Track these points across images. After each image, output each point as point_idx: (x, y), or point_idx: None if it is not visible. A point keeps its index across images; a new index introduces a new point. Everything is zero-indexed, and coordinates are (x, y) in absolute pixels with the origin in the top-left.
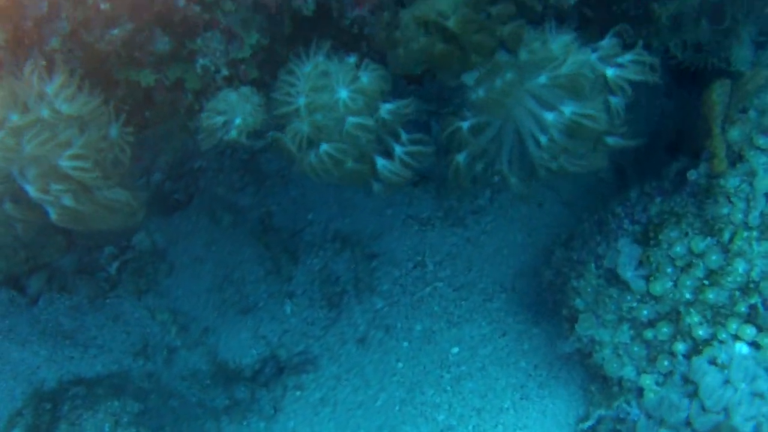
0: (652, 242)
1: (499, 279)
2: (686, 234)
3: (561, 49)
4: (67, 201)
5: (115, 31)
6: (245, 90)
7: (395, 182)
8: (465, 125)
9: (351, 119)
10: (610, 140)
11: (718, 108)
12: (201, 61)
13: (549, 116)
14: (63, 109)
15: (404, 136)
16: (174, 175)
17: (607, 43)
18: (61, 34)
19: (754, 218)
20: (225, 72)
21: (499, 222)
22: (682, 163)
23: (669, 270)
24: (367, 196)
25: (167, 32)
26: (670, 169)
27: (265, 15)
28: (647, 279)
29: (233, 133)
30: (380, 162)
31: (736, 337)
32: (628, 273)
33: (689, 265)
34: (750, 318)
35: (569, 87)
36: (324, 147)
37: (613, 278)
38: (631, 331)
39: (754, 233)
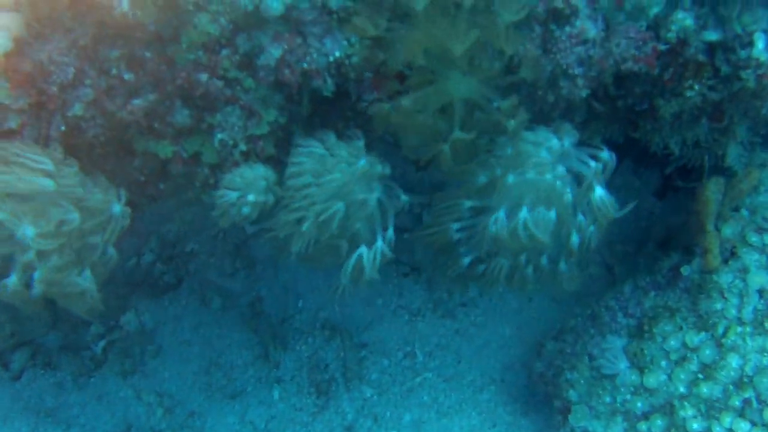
0: (646, 335)
1: (489, 371)
2: (680, 328)
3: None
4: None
5: (138, 101)
6: (261, 168)
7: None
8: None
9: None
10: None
11: (712, 205)
12: (219, 135)
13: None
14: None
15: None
16: (165, 257)
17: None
18: (85, 101)
19: (747, 314)
20: (243, 147)
21: (489, 315)
22: (675, 259)
23: (663, 363)
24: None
25: (188, 105)
26: (663, 264)
27: (284, 94)
28: (641, 371)
29: (245, 210)
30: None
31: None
32: (621, 365)
33: (683, 358)
34: (744, 412)
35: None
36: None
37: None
38: (625, 423)
39: (748, 328)
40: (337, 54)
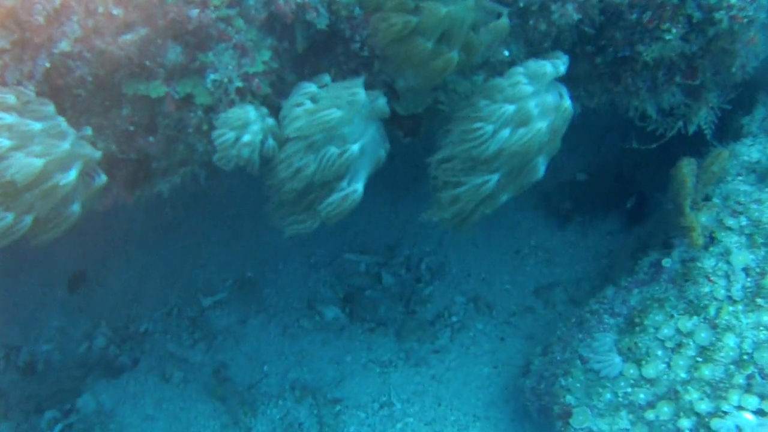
0: (638, 329)
1: (471, 410)
2: (672, 316)
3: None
4: None
5: (129, 36)
6: (255, 108)
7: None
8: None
9: None
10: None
11: (689, 183)
12: (212, 75)
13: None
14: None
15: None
16: (118, 339)
17: None
18: (72, 38)
19: (737, 292)
20: (238, 83)
21: (463, 359)
22: (654, 255)
23: (659, 353)
24: (323, 345)
25: (180, 42)
26: (642, 262)
27: (276, 36)
28: (638, 363)
29: (245, 151)
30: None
31: (740, 408)
32: (615, 360)
33: (680, 345)
34: (750, 388)
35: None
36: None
37: None
38: (631, 416)
39: (740, 306)
40: None
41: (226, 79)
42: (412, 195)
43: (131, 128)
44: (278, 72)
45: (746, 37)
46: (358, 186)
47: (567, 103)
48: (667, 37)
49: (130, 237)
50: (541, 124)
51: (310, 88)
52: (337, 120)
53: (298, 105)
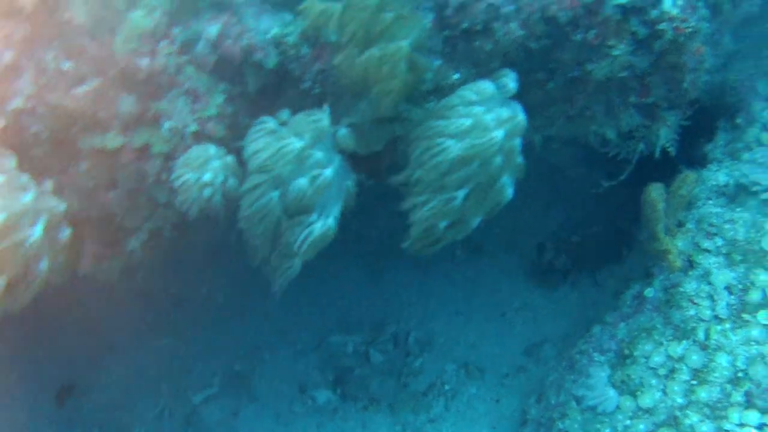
0: (628, 361)
1: None
2: (660, 344)
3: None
4: None
5: (81, 89)
6: (213, 147)
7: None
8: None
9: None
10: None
11: (660, 206)
12: (167, 123)
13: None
14: None
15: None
16: None
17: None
18: (25, 95)
19: (722, 310)
20: (193, 128)
21: (460, 425)
22: (636, 288)
23: (654, 381)
24: (318, 429)
25: (132, 92)
26: (625, 296)
27: (228, 80)
28: (634, 395)
29: (207, 192)
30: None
31: (742, 425)
32: (610, 393)
33: (672, 371)
34: (749, 404)
35: None
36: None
37: None
38: None
39: (728, 324)
40: (275, 31)
41: (181, 125)
42: (391, 270)
43: (92, 184)
44: (233, 116)
45: (692, 48)
46: (330, 221)
47: (520, 116)
48: (615, 53)
49: (114, 342)
50: (498, 133)
51: (269, 123)
52: (301, 149)
53: (259, 138)
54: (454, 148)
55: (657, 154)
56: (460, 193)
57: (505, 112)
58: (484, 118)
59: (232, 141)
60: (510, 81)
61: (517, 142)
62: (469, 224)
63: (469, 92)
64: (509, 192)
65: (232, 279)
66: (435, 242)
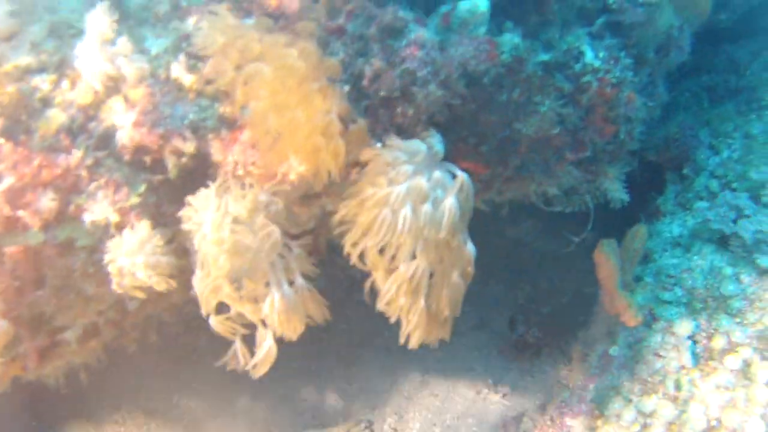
0: (599, 422)
1: None
2: (630, 401)
3: None
4: None
5: None
6: (145, 230)
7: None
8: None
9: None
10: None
11: (614, 261)
12: (89, 216)
13: None
14: None
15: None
16: None
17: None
18: None
19: (688, 361)
20: (115, 217)
21: None
22: (601, 348)
23: None
24: None
25: (51, 188)
26: (591, 357)
27: (149, 170)
28: None
29: (140, 274)
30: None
31: None
32: None
33: (645, 426)
34: None
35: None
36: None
37: None
38: None
39: (695, 374)
40: (192, 117)
41: (103, 218)
42: (362, 360)
43: (17, 283)
44: (156, 204)
45: (622, 99)
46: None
47: (460, 174)
48: (542, 108)
49: None
50: (451, 199)
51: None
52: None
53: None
54: (401, 222)
55: (618, 206)
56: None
57: (440, 173)
58: (419, 181)
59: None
60: (437, 143)
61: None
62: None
63: (398, 152)
64: (472, 247)
65: (204, 380)
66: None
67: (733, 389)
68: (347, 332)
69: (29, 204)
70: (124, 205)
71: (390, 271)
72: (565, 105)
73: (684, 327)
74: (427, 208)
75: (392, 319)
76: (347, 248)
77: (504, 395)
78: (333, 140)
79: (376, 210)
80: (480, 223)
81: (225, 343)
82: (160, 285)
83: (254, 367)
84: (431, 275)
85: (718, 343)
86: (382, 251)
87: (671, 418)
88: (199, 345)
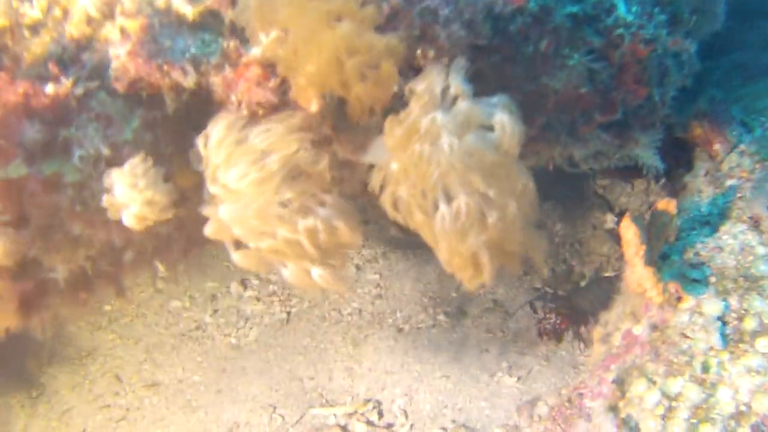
0: (621, 404)
1: None
2: (654, 383)
3: None
4: None
5: None
6: (139, 165)
7: None
8: None
9: None
10: None
11: (640, 236)
12: (78, 150)
13: None
14: None
15: None
16: None
17: None
18: None
19: (717, 342)
20: (106, 151)
21: None
22: (625, 326)
23: (651, 424)
24: None
25: (37, 119)
26: (615, 336)
27: (146, 105)
28: None
29: (136, 208)
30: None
31: None
32: None
33: (670, 410)
34: None
35: None
36: None
37: None
38: None
39: (725, 356)
40: (193, 51)
41: (93, 152)
42: (372, 339)
43: None
44: (152, 143)
45: (655, 58)
46: None
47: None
48: (571, 62)
49: None
50: (501, 114)
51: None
52: None
53: None
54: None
55: (645, 171)
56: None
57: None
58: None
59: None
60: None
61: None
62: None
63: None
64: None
65: (208, 355)
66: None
67: (765, 373)
68: (357, 311)
69: (12, 134)
70: (117, 140)
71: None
72: (596, 60)
73: (713, 307)
74: (471, 136)
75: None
76: (382, 198)
77: (519, 379)
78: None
79: (413, 144)
80: None
81: (230, 318)
82: (155, 215)
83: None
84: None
85: (750, 324)
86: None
87: (698, 402)
88: (203, 320)
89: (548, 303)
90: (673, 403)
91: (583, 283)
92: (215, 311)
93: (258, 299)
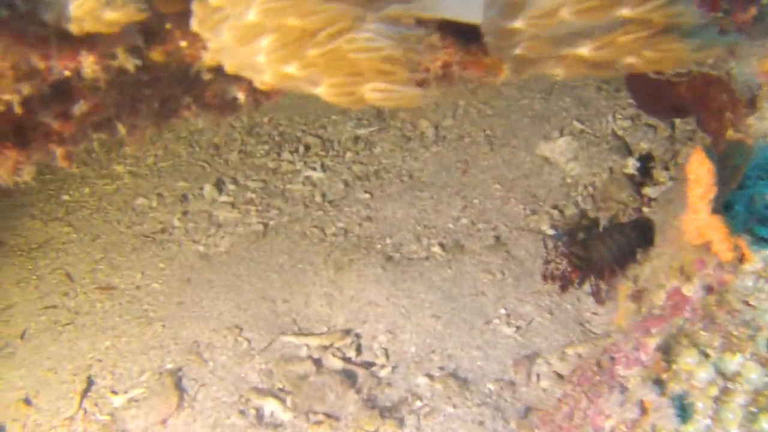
0: (665, 376)
1: None
2: (707, 356)
3: None
4: None
5: None
6: None
7: None
8: None
9: None
10: None
11: (709, 177)
12: None
13: None
14: None
15: None
16: None
17: None
18: None
19: None
20: None
21: None
22: (671, 285)
23: (699, 405)
24: None
25: None
26: (658, 294)
27: None
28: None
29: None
30: None
31: None
32: None
33: (725, 392)
34: None
35: None
36: None
37: None
38: None
39: None
40: None
41: None
42: (357, 265)
43: None
44: None
45: None
46: None
47: None
48: None
49: None
50: None
51: None
52: None
53: None
54: None
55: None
56: None
57: None
58: None
59: None
60: None
61: None
62: None
63: None
64: None
65: (172, 261)
66: None
67: None
68: (342, 232)
69: None
70: None
71: None
72: None
73: None
74: None
75: None
76: None
77: (517, 329)
78: None
79: None
80: (509, 133)
81: (200, 223)
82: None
83: None
84: None
85: None
86: None
87: (760, 386)
88: (171, 222)
89: (561, 246)
90: (730, 384)
91: (598, 230)
92: (184, 214)
93: (233, 205)
